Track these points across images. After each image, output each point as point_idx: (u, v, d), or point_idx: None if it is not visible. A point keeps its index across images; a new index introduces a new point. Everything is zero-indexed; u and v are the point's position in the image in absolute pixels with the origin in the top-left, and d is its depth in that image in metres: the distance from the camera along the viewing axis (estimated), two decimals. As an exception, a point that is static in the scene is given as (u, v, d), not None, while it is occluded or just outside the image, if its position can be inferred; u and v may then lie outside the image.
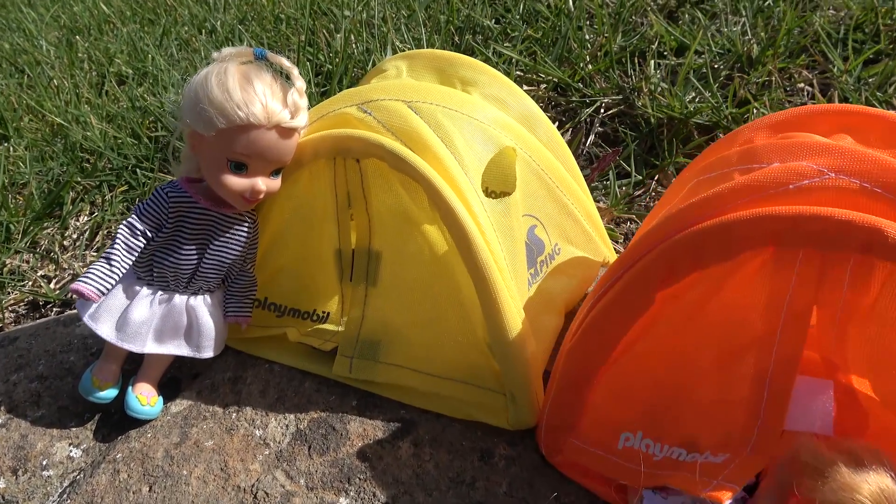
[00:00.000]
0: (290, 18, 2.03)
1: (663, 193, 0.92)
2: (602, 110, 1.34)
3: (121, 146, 1.46)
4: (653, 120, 1.26)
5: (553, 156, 0.91)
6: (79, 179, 1.36)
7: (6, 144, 1.68)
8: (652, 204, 1.18)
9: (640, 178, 1.20)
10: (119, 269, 0.79)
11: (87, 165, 1.43)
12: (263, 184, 0.80)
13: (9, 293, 1.18)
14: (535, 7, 1.65)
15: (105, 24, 2.48)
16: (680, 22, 1.52)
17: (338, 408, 0.87)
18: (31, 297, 1.17)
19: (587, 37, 1.50)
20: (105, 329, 0.84)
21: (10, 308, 1.17)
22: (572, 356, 0.71)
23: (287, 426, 0.85)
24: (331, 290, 0.93)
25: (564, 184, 0.91)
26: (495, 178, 0.83)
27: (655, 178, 1.21)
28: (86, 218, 1.35)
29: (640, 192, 1.21)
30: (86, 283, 0.78)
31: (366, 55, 1.61)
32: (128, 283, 0.85)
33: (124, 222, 0.81)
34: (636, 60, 1.41)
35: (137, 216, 0.81)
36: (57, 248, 1.27)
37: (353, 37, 1.73)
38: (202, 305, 0.88)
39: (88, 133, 1.55)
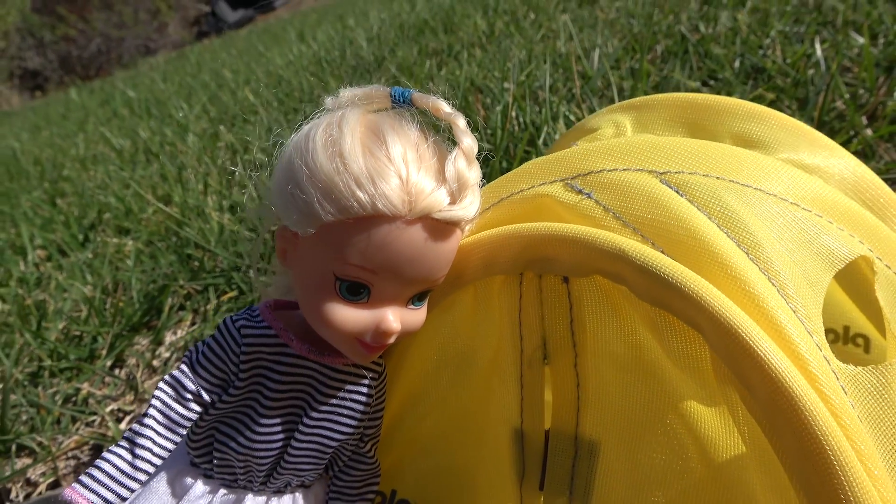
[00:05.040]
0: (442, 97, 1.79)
1: None
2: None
3: (235, 241, 1.21)
4: None
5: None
6: (181, 282, 1.11)
7: (125, 238, 1.51)
8: None
9: None
10: (150, 461, 0.46)
11: (196, 265, 1.18)
12: (396, 320, 0.45)
13: (75, 432, 0.91)
14: (757, 64, 1.25)
15: (250, 114, 2.39)
16: None
17: None
18: (93, 441, 0.88)
19: (847, 94, 1.07)
20: (132, 552, 0.50)
21: (69, 453, 0.89)
22: None
23: None
24: (503, 496, 0.54)
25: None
26: (849, 320, 0.42)
27: None
28: (185, 330, 1.08)
29: None
30: (88, 487, 0.45)
31: (534, 129, 1.28)
32: (173, 474, 0.52)
33: (167, 377, 0.48)
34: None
35: (190, 368, 0.48)
36: (140, 373, 0.99)
37: (514, 112, 1.42)
38: (289, 513, 0.52)
39: (207, 225, 1.32)
